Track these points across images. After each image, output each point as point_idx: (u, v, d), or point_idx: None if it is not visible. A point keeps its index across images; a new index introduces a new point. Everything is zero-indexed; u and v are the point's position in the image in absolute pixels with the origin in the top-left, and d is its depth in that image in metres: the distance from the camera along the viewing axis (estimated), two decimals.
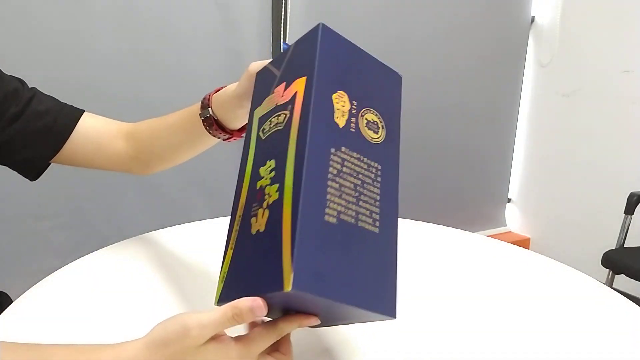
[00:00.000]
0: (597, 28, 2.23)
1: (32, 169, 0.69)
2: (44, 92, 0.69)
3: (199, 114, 0.64)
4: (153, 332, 0.41)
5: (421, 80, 2.21)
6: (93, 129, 0.70)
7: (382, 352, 0.51)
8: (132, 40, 1.55)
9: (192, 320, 0.39)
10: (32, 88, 0.68)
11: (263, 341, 0.41)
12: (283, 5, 1.76)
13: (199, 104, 0.65)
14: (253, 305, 0.38)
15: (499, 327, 0.58)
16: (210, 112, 0.63)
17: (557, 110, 2.44)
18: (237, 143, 0.64)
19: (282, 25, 1.77)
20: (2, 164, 0.67)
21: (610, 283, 1.73)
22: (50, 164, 0.70)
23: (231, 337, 0.41)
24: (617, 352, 0.53)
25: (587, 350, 0.53)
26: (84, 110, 0.71)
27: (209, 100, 0.63)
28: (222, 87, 0.64)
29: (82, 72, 1.48)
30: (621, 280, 1.66)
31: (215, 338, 0.40)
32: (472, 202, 2.57)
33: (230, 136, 0.65)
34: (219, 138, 0.66)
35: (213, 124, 0.63)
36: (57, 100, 0.70)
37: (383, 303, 0.41)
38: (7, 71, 0.67)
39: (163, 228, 0.87)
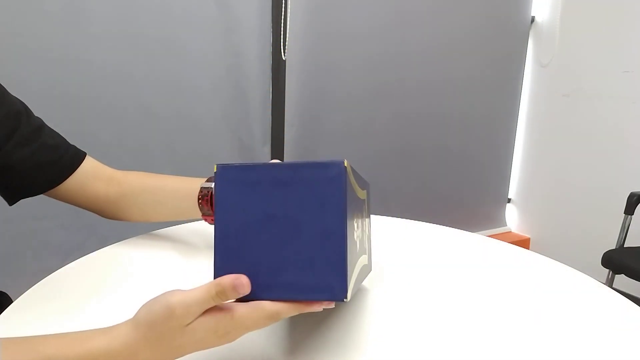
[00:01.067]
0: (597, 28, 2.23)
1: (18, 196, 0.70)
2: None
3: (201, 184, 0.69)
4: (139, 315, 0.41)
5: (421, 81, 2.22)
6: (84, 169, 0.72)
7: (381, 351, 0.51)
8: (131, 42, 1.55)
9: (175, 300, 0.39)
10: (37, 117, 0.69)
11: (253, 324, 0.40)
12: (283, 5, 1.76)
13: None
14: (235, 282, 0.39)
15: (499, 327, 0.58)
16: (213, 187, 0.66)
17: (557, 110, 2.44)
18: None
19: (282, 25, 1.77)
20: None
21: (610, 283, 1.73)
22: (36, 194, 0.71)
23: (220, 311, 0.40)
24: (618, 352, 0.53)
25: (587, 350, 0.53)
26: (86, 153, 0.73)
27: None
28: None
29: (81, 75, 1.48)
30: (621, 280, 1.66)
31: (203, 313, 0.40)
32: (472, 202, 2.57)
33: (211, 215, 0.69)
34: (201, 211, 0.69)
35: (207, 196, 0.67)
36: (63, 137, 0.72)
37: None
38: (7, 80, 0.67)
39: (163, 228, 0.87)
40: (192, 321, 0.39)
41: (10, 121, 0.64)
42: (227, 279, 0.40)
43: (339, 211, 0.40)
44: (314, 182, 0.41)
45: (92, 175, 0.73)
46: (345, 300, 0.40)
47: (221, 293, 0.39)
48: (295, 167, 0.41)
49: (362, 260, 0.53)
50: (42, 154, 0.67)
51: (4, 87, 0.66)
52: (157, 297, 0.41)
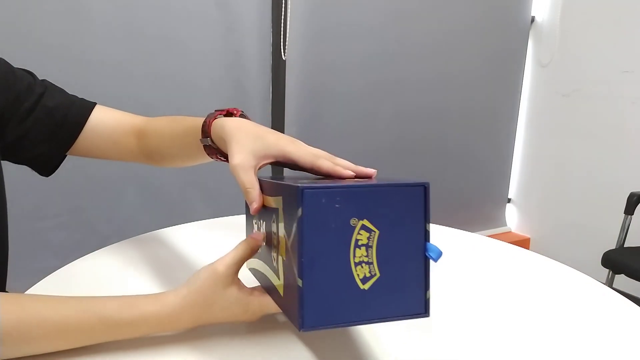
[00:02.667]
0: (597, 28, 2.23)
1: (46, 166, 0.70)
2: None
3: (200, 139, 0.59)
4: (188, 283, 0.49)
5: (421, 81, 2.21)
6: (105, 124, 0.69)
7: (380, 351, 0.51)
8: (131, 42, 1.55)
9: (217, 262, 0.49)
10: (43, 81, 0.68)
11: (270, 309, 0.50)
12: (283, 6, 1.76)
13: (199, 122, 0.60)
14: (254, 236, 0.51)
15: (499, 327, 0.58)
16: (210, 142, 0.58)
17: (557, 110, 2.44)
18: None
19: (282, 25, 1.77)
20: (17, 162, 0.68)
21: (610, 283, 1.73)
22: (64, 158, 0.70)
23: (253, 296, 0.50)
24: (617, 352, 0.53)
25: (587, 350, 0.53)
26: (95, 104, 0.70)
27: (208, 127, 0.58)
28: (224, 112, 0.60)
29: (81, 73, 1.48)
30: (621, 280, 1.66)
31: (240, 287, 0.49)
32: (472, 202, 2.57)
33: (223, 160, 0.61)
34: (220, 161, 0.61)
35: (214, 153, 0.59)
36: (67, 94, 0.69)
37: None
38: None
39: (163, 228, 0.87)
40: (230, 285, 0.48)
41: (21, 98, 0.64)
42: (249, 239, 0.51)
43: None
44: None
45: (120, 130, 0.70)
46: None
47: (253, 249, 0.50)
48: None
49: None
50: (44, 120, 0.65)
51: (10, 64, 0.65)
52: (202, 268, 0.49)
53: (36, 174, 0.71)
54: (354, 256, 0.42)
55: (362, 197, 0.42)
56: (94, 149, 0.70)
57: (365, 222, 0.42)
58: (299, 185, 0.40)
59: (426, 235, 0.45)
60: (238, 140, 0.51)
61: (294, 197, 0.41)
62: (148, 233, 0.84)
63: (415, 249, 0.45)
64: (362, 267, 0.42)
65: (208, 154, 0.60)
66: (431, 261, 0.45)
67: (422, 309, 0.45)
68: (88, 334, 0.48)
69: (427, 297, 0.45)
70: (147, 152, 0.71)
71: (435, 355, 0.51)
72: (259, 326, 0.54)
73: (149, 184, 1.65)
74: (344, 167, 0.51)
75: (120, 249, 0.77)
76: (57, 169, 0.71)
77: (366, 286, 0.42)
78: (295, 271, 0.41)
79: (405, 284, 0.44)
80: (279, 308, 0.48)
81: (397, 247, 0.44)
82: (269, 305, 0.50)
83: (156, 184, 1.67)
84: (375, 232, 0.42)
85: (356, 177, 0.50)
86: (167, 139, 0.68)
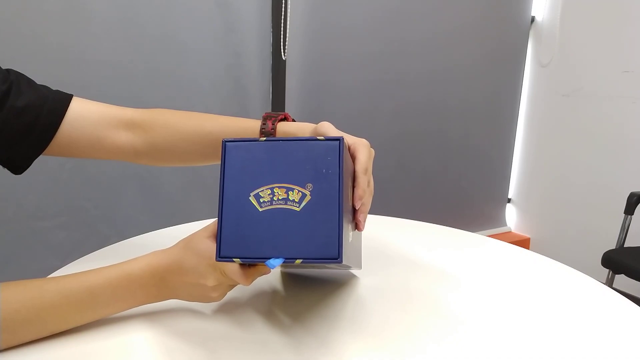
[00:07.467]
0: (597, 28, 2.23)
1: (18, 167, 0.64)
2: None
3: (262, 128, 0.63)
4: (179, 241, 0.54)
5: (421, 81, 2.22)
6: (85, 119, 0.63)
7: (380, 351, 0.51)
8: (132, 42, 1.55)
9: (201, 229, 0.52)
10: (8, 72, 0.61)
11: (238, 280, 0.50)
12: (283, 6, 1.76)
13: (252, 124, 0.63)
14: None
15: (499, 327, 0.58)
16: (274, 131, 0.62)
17: (557, 110, 2.44)
18: None
19: (282, 25, 1.77)
20: None
21: (610, 283, 1.73)
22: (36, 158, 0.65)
23: None
24: (617, 352, 0.53)
25: (587, 350, 0.53)
26: (71, 97, 0.64)
27: (272, 129, 0.62)
28: (285, 116, 0.64)
29: (81, 73, 1.48)
30: (621, 280, 1.66)
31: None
32: (472, 202, 2.57)
33: None
34: None
35: None
36: (38, 87, 0.63)
37: None
38: None
39: (163, 228, 0.87)
40: (206, 238, 0.51)
41: None
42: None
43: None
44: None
45: (105, 123, 0.64)
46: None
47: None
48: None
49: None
50: (12, 123, 0.59)
51: None
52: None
53: (36, 174, 0.70)
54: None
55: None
56: (74, 148, 0.64)
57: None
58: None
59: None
60: (322, 125, 0.59)
61: None
62: (148, 233, 0.84)
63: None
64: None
65: None
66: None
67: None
68: (72, 303, 0.51)
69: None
70: (144, 147, 0.66)
71: (435, 355, 0.51)
72: (254, 317, 0.54)
73: (149, 184, 1.65)
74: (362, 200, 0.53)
75: (120, 249, 0.77)
76: (27, 168, 0.65)
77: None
78: None
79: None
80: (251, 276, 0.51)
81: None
82: (238, 271, 0.49)
83: (156, 184, 1.67)
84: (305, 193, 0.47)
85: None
86: (183, 134, 0.65)
